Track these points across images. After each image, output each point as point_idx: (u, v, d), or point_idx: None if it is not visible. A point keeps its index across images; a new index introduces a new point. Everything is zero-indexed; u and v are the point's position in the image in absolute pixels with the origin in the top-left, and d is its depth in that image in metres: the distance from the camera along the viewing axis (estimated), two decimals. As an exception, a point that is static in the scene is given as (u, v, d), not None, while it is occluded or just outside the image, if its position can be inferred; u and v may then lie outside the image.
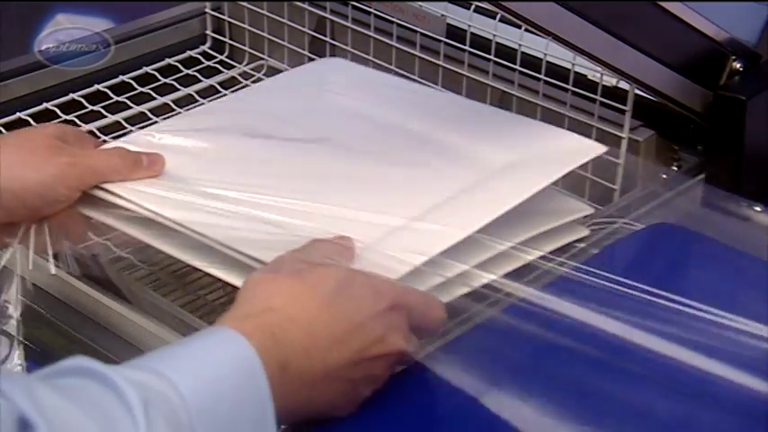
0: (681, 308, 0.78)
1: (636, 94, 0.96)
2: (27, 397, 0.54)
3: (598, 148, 0.91)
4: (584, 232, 0.90)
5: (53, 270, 0.87)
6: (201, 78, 1.22)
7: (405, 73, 1.11)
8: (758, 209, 0.97)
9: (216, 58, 1.26)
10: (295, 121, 0.96)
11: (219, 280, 0.80)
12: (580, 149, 0.90)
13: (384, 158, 0.91)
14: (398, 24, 1.10)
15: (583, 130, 0.98)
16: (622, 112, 0.97)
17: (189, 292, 0.93)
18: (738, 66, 0.97)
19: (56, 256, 0.87)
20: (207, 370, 0.63)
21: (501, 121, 0.97)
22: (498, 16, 1.02)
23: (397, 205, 0.83)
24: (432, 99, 1.01)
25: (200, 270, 0.81)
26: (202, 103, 1.15)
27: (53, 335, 0.89)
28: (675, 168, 1.01)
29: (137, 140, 0.90)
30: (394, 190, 0.87)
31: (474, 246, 0.81)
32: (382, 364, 0.71)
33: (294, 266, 0.72)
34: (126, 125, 1.13)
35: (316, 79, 1.03)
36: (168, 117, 1.11)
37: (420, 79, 1.10)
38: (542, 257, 0.84)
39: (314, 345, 0.68)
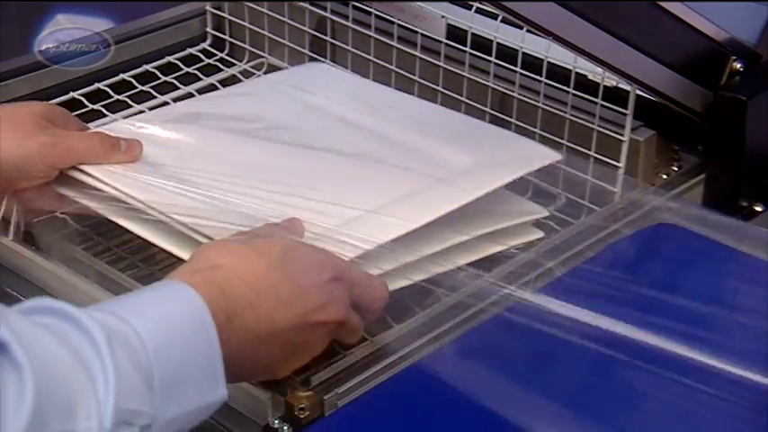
0: (680, 308, 0.78)
1: (636, 95, 0.96)
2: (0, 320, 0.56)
3: (553, 156, 0.95)
4: (538, 234, 0.93)
5: (11, 237, 0.92)
6: (202, 77, 1.21)
7: (405, 73, 1.11)
8: (758, 209, 0.97)
9: (216, 55, 1.25)
10: (272, 119, 1.00)
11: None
12: (536, 155, 0.95)
13: (351, 157, 0.95)
14: (399, 25, 1.10)
15: (584, 130, 0.98)
16: (623, 112, 0.97)
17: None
18: (739, 66, 0.97)
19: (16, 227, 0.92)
20: (160, 316, 0.65)
21: (466, 128, 1.01)
22: (499, 17, 1.02)
23: (354, 199, 0.86)
24: (405, 104, 1.04)
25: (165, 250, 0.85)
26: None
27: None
28: (675, 168, 1.01)
29: (117, 128, 0.94)
30: (355, 185, 0.91)
31: (424, 238, 0.84)
32: (322, 331, 0.74)
33: (244, 238, 0.76)
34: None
35: (296, 81, 1.07)
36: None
37: (420, 80, 1.10)
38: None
39: (260, 303, 0.71)
